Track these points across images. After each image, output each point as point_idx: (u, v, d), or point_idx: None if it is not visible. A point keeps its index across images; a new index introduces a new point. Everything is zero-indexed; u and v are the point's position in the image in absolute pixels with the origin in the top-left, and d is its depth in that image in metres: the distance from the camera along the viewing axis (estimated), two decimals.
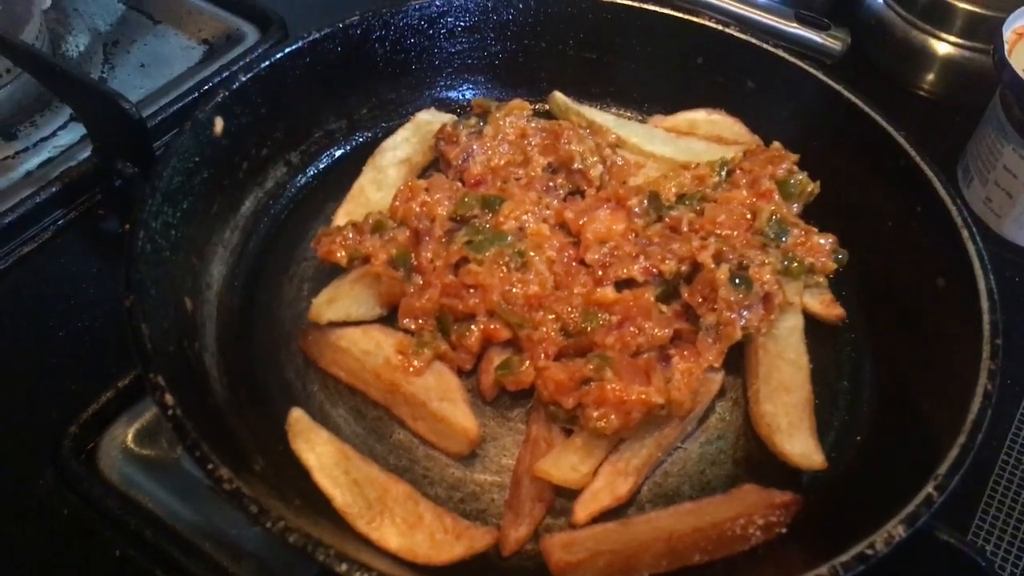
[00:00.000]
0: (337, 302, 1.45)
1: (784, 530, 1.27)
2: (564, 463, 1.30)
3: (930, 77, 2.19)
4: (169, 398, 1.14)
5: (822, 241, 1.53)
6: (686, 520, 1.25)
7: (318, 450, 1.30)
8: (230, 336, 1.46)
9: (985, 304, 1.34)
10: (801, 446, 1.35)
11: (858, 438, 1.42)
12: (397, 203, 1.54)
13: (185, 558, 1.29)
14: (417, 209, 1.52)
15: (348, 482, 1.27)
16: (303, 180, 1.73)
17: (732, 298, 1.40)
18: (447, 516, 1.27)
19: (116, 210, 1.76)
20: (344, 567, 1.04)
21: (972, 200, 1.91)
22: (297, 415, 1.35)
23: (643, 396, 1.28)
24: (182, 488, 1.34)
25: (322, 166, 1.76)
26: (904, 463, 1.28)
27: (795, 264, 1.49)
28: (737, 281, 1.41)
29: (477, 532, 1.26)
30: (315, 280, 1.56)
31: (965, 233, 1.43)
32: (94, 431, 1.39)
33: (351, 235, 1.47)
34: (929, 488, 1.15)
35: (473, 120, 1.69)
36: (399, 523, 1.24)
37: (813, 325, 1.54)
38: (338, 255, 1.45)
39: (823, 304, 1.55)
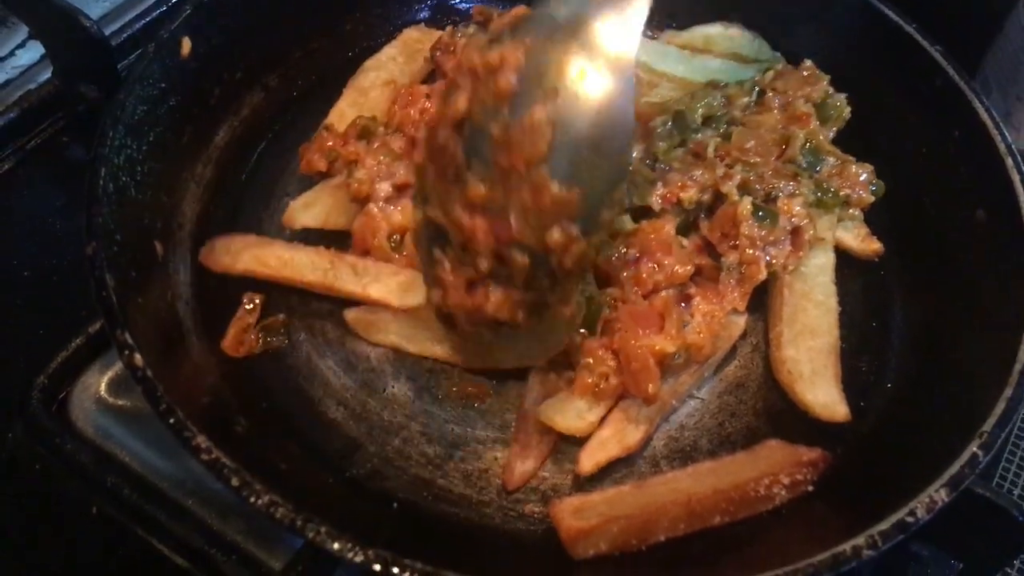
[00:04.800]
0: (315, 207, 1.37)
1: (810, 488, 1.19)
2: (570, 410, 1.21)
3: None
4: (139, 358, 1.05)
5: (858, 171, 1.41)
6: (706, 481, 1.17)
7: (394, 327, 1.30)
8: (206, 282, 1.35)
9: None
10: (824, 395, 1.27)
11: (888, 386, 1.33)
12: (396, 108, 1.44)
13: (167, 517, 1.21)
14: (416, 116, 1.42)
15: None
16: (283, 106, 1.61)
17: (755, 234, 1.29)
18: None
19: (81, 137, 1.65)
20: (336, 545, 0.95)
21: None
22: (352, 316, 1.32)
23: (647, 360, 1.19)
24: (162, 440, 1.22)
25: (304, 90, 1.63)
26: (941, 416, 1.20)
27: (829, 196, 1.37)
28: (760, 215, 1.29)
29: None
30: None
31: (1010, 161, 1.31)
32: (65, 380, 1.31)
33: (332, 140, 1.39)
34: (973, 447, 1.07)
35: (472, 29, 1.55)
36: None
37: (839, 261, 1.42)
38: (316, 159, 1.37)
39: (858, 239, 1.44)
